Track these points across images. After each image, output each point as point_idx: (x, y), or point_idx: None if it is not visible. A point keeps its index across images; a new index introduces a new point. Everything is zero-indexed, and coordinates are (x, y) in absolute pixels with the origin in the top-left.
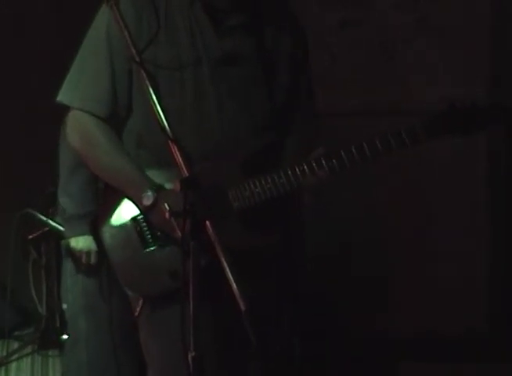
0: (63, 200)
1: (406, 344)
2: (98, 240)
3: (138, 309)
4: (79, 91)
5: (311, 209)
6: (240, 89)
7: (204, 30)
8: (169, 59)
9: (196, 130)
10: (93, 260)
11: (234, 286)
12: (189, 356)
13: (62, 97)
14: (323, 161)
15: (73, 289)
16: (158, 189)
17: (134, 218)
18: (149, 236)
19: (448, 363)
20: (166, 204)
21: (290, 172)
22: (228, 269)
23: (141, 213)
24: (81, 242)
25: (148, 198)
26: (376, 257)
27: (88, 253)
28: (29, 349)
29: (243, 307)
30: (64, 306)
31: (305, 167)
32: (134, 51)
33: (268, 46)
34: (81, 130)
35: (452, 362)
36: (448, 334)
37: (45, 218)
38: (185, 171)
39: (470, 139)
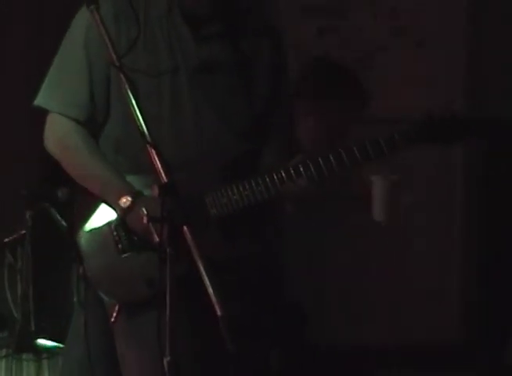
0: None
1: (380, 354)
2: (74, 245)
3: (114, 315)
4: (57, 95)
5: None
6: (218, 97)
7: (182, 38)
8: (147, 66)
9: (173, 137)
10: None
11: (210, 291)
12: (165, 361)
13: (40, 101)
14: (301, 169)
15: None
16: (136, 193)
17: (110, 223)
18: (125, 241)
19: (421, 373)
20: (144, 209)
21: (267, 179)
22: (204, 274)
23: (118, 218)
24: None
25: (125, 202)
26: (352, 264)
27: None
28: (3, 353)
29: (219, 312)
30: (75, 299)
31: (283, 174)
32: (114, 55)
33: (246, 55)
34: (58, 133)
35: (425, 371)
36: (422, 344)
37: (59, 217)
38: (164, 177)
39: (446, 152)
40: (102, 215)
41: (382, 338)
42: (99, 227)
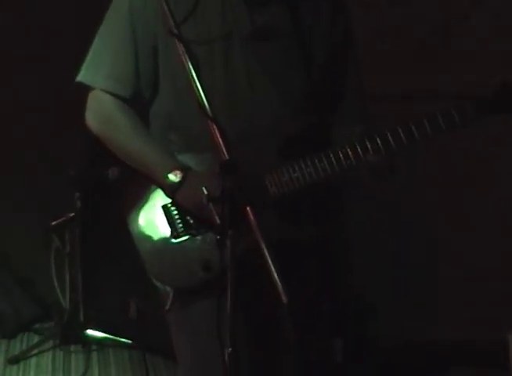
0: None
1: (449, 349)
2: (126, 229)
3: (168, 303)
4: (100, 70)
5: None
6: (274, 66)
7: (235, 2)
8: (197, 34)
9: (226, 109)
10: None
11: (275, 276)
12: (226, 353)
13: (82, 77)
14: (367, 143)
15: None
16: (186, 168)
17: (163, 206)
18: (180, 224)
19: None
20: (204, 189)
21: (331, 155)
22: (269, 259)
23: (169, 198)
24: None
25: (174, 178)
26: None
27: None
28: (50, 344)
29: (284, 299)
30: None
31: (348, 149)
32: (172, 22)
33: (305, 21)
34: (101, 111)
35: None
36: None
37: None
38: (225, 154)
39: None
40: (154, 197)
41: (447, 332)
42: (150, 209)
